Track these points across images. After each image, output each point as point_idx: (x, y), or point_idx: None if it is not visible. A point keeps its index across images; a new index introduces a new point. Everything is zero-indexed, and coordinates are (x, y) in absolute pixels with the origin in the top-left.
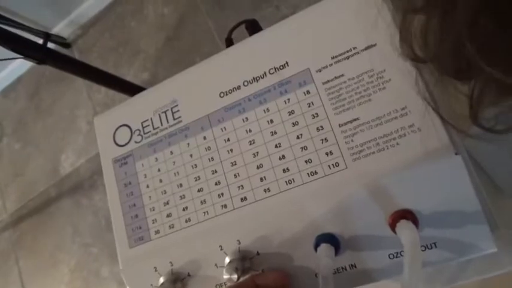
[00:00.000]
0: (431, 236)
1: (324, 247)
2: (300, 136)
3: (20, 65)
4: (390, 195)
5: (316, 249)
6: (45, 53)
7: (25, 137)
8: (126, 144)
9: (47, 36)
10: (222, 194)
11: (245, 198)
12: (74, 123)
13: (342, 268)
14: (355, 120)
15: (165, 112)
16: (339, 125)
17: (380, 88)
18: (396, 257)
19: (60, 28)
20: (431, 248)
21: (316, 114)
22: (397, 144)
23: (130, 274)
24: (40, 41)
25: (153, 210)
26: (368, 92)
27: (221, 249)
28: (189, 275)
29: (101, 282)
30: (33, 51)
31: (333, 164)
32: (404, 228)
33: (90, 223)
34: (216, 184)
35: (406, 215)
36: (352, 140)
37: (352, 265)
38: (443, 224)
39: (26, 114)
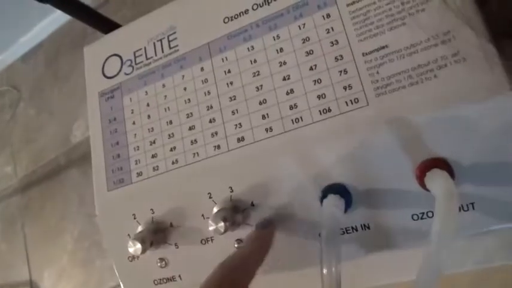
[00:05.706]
0: (469, 194)
1: (331, 198)
2: (313, 67)
3: (41, 31)
4: (421, 140)
5: (322, 203)
6: None
7: (41, 104)
8: (114, 76)
9: None
10: (216, 133)
11: (242, 139)
12: None
13: (352, 228)
14: (382, 48)
15: (160, 40)
16: (363, 54)
17: (418, 10)
18: (421, 218)
19: None
20: (467, 209)
21: (336, 41)
22: (435, 76)
23: (106, 221)
24: None
25: (137, 149)
26: (402, 14)
27: (210, 197)
28: (171, 225)
29: (103, 254)
30: None
31: (351, 100)
32: (438, 177)
33: None
34: (210, 122)
35: (439, 164)
36: (377, 72)
37: (364, 225)
38: (486, 180)
39: (43, 81)
